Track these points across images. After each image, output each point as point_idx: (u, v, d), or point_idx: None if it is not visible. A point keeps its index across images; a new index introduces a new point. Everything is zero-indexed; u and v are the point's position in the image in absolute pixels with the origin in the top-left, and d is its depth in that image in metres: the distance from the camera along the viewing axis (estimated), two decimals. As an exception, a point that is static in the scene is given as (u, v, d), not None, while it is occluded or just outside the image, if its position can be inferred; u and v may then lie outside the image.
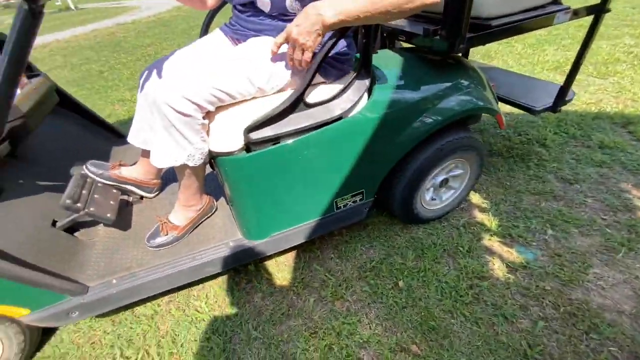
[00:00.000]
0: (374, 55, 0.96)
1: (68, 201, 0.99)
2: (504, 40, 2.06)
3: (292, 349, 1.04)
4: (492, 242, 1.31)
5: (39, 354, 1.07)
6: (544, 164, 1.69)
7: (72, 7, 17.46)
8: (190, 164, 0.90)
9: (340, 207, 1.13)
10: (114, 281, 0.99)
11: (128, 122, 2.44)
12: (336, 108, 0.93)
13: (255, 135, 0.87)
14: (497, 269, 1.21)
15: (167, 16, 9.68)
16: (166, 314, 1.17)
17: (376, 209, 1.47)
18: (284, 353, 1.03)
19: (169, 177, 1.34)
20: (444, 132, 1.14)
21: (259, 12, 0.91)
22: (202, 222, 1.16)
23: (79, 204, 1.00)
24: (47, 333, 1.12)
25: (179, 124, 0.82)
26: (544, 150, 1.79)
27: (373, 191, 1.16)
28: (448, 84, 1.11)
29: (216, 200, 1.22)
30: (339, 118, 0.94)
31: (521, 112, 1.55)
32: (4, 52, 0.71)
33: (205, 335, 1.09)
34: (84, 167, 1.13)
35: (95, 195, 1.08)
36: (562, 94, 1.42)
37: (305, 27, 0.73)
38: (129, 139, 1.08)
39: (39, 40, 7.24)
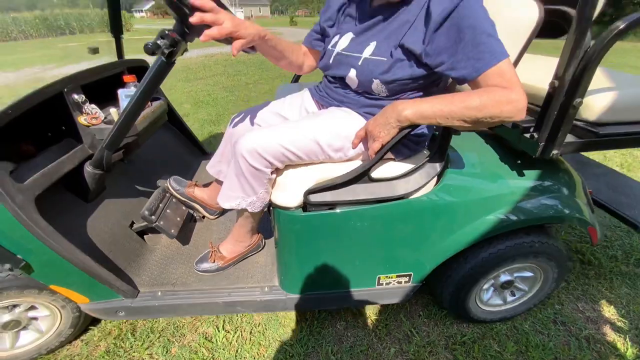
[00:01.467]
0: (453, 136, 0.89)
1: (146, 212, 1.14)
2: None
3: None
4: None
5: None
6: None
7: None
8: (250, 210, 0.95)
9: (383, 284, 1.08)
10: (159, 293, 1.07)
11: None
12: (400, 187, 0.90)
13: (314, 197, 0.89)
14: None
15: (305, 45, 11.20)
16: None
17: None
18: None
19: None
20: (515, 232, 1.01)
21: (346, 86, 0.94)
22: (247, 257, 1.21)
23: (153, 217, 1.15)
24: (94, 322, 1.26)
25: (248, 174, 0.87)
26: None
27: (422, 277, 1.07)
28: (530, 184, 0.97)
29: (265, 239, 1.25)
30: (401, 197, 0.91)
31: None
32: (140, 85, 0.89)
33: (289, 341, 1.20)
34: (168, 180, 1.29)
35: (167, 210, 1.22)
36: None
37: (381, 121, 0.78)
38: (207, 167, 1.20)
39: (209, 51, 9.21)
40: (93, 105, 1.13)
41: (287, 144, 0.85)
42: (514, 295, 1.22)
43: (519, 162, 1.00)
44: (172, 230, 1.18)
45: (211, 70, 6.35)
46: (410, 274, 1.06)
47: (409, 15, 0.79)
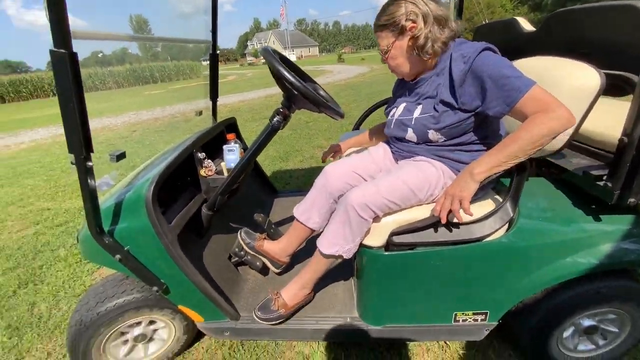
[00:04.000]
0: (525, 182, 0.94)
1: (236, 249, 1.37)
2: None
3: None
4: None
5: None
6: None
7: (288, 68, 23.58)
8: (345, 256, 1.04)
9: (459, 320, 1.11)
10: (256, 318, 1.21)
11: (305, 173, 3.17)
12: (477, 230, 0.96)
13: (398, 239, 0.99)
14: None
15: (355, 81, 11.60)
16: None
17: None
18: None
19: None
20: (595, 276, 1.00)
21: (409, 142, 1.10)
22: (317, 295, 1.28)
23: (242, 252, 1.36)
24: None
25: (355, 224, 0.98)
26: None
27: (498, 316, 1.09)
28: (608, 228, 0.96)
29: (341, 271, 1.34)
30: (477, 240, 0.97)
31: None
32: (251, 146, 1.15)
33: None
34: (239, 233, 1.36)
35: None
36: None
37: (461, 184, 0.89)
38: (297, 213, 1.25)
39: (268, 92, 10.13)
40: (209, 160, 1.40)
41: (390, 196, 0.98)
42: (605, 339, 1.16)
43: (592, 207, 1.00)
44: (258, 263, 1.36)
45: (273, 109, 6.96)
46: (487, 312, 1.09)
47: (439, 79, 0.99)
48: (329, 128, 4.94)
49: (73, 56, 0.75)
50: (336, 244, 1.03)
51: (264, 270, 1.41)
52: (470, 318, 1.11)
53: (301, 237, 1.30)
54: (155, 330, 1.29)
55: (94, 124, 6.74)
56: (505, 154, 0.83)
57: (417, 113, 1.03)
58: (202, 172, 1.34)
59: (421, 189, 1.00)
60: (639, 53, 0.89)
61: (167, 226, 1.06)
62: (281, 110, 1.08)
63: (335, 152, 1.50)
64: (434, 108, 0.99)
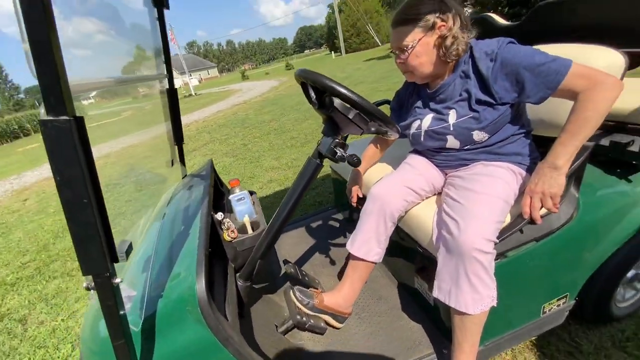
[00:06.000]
0: None
1: (298, 317, 1.08)
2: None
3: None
4: None
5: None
6: None
7: (193, 93, 22.29)
8: (494, 303, 0.88)
9: (547, 311, 1.12)
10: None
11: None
12: (554, 221, 0.98)
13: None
14: None
15: (271, 96, 11.52)
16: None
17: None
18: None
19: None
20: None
21: (450, 150, 1.05)
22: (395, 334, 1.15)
23: (304, 319, 1.09)
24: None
25: (487, 263, 0.85)
26: None
27: (575, 294, 1.14)
28: None
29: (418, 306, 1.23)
30: (557, 229, 0.99)
31: None
32: (293, 189, 0.96)
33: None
34: (292, 292, 1.14)
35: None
36: None
37: (546, 181, 0.85)
38: (350, 248, 1.12)
39: (184, 120, 9.34)
40: (228, 219, 1.13)
41: (496, 217, 0.89)
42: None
43: (621, 171, 1.09)
44: (322, 324, 1.14)
45: (198, 140, 6.40)
46: (567, 294, 1.12)
47: (465, 81, 0.97)
48: (272, 147, 4.75)
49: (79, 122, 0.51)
50: (482, 297, 0.87)
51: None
52: (555, 305, 1.11)
53: (363, 277, 1.15)
54: None
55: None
56: (581, 138, 0.83)
57: (452, 119, 1.00)
58: (226, 235, 1.07)
59: (509, 195, 0.95)
60: (637, 28, 1.01)
61: (228, 325, 0.77)
62: (337, 141, 0.89)
63: (357, 185, 1.29)
64: (472, 109, 0.96)
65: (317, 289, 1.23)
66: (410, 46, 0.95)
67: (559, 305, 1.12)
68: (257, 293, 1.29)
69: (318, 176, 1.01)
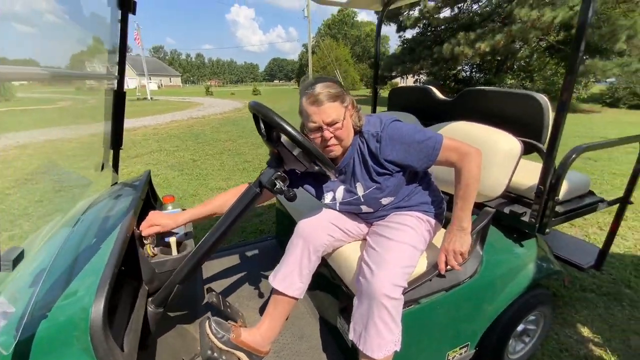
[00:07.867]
0: None
1: (209, 353, 0.99)
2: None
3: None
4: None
5: None
6: (637, 305, 1.85)
7: (149, 97, 21.01)
8: (397, 349, 0.93)
9: (450, 358, 1.19)
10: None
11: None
12: (461, 273, 1.10)
13: (407, 297, 0.99)
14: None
15: (233, 115, 11.35)
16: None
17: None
18: None
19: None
20: (526, 290, 1.26)
21: (367, 212, 1.17)
22: None
23: (213, 353, 1.00)
24: None
25: (393, 309, 0.91)
26: (632, 292, 1.97)
27: (475, 344, 1.24)
28: (532, 253, 1.28)
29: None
30: (463, 281, 1.10)
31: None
32: (228, 213, 0.95)
33: None
34: (208, 324, 1.05)
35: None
36: (602, 256, 1.58)
37: (458, 240, 1.01)
38: (273, 282, 1.12)
39: (128, 124, 8.60)
40: (151, 237, 1.05)
41: (405, 262, 0.97)
42: (530, 336, 1.48)
43: (517, 236, 1.28)
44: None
45: (144, 147, 5.96)
46: (468, 344, 1.21)
47: (361, 158, 1.08)
48: (223, 167, 4.62)
49: None
50: (386, 342, 0.92)
51: None
52: (458, 354, 1.19)
53: (284, 314, 1.13)
54: None
55: None
56: (471, 199, 1.01)
57: (361, 191, 1.10)
58: (149, 249, 0.99)
59: (419, 240, 1.05)
60: (538, 127, 1.25)
61: (122, 356, 0.67)
62: (279, 173, 0.91)
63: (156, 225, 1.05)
64: (374, 181, 1.07)
65: (236, 322, 1.16)
66: (342, 118, 0.99)
67: (461, 354, 1.21)
68: (171, 322, 1.19)
69: (266, 204, 1.00)
